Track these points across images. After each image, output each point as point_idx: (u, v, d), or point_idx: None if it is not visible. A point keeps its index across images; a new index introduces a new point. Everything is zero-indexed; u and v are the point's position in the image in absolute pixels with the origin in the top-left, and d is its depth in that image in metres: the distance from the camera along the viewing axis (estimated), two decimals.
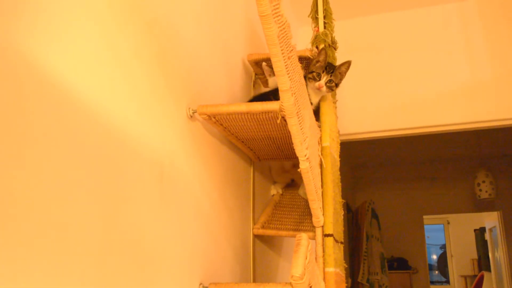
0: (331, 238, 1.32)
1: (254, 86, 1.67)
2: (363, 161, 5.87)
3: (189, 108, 1.10)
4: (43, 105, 0.60)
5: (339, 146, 1.63)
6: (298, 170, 1.15)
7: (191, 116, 1.11)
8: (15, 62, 0.56)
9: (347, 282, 1.51)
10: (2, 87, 0.54)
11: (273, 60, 0.92)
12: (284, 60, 0.93)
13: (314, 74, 1.38)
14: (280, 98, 1.00)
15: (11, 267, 0.53)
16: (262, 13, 0.84)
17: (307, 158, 1.12)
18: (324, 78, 1.37)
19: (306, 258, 0.92)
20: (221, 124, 1.21)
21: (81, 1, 0.71)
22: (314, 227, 1.38)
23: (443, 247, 8.74)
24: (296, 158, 1.13)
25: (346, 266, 1.52)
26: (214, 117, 1.15)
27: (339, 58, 1.89)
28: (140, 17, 0.89)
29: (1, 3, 0.54)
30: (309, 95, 1.39)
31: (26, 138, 0.57)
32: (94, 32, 0.73)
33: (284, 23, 0.93)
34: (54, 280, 0.60)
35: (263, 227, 1.58)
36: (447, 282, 8.52)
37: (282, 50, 0.92)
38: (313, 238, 1.37)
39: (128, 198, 0.80)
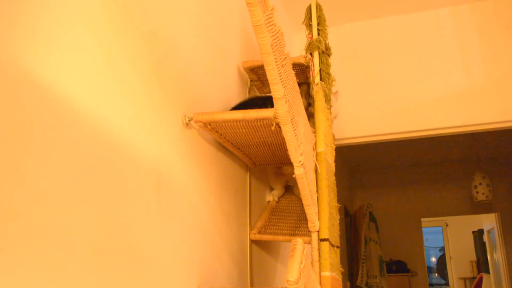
0: (327, 242, 1.34)
1: (249, 92, 1.68)
2: (360, 164, 5.89)
3: (185, 116, 1.12)
4: (40, 113, 0.62)
5: (334, 151, 1.64)
6: (293, 176, 1.17)
7: (187, 124, 1.13)
8: (14, 73, 0.58)
9: (345, 286, 1.52)
10: (2, 97, 0.55)
11: (266, 68, 0.94)
12: (277, 68, 0.95)
13: None
14: (274, 106, 1.02)
15: (11, 271, 0.54)
16: (255, 23, 0.86)
17: (302, 164, 1.14)
18: None
19: (302, 263, 0.93)
20: (217, 131, 1.23)
21: (79, 13, 0.72)
22: (310, 232, 1.39)
23: (442, 249, 8.74)
24: (291, 163, 1.15)
25: (343, 270, 1.53)
26: (210, 125, 1.17)
27: (334, 64, 1.91)
28: (136, 26, 0.91)
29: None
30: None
31: (25, 147, 0.58)
32: (90, 41, 0.75)
33: (277, 32, 0.95)
34: (54, 286, 0.61)
35: (259, 232, 1.59)
36: (447, 284, 8.51)
37: (275, 58, 0.93)
38: (309, 242, 1.38)
39: (125, 205, 0.81)
